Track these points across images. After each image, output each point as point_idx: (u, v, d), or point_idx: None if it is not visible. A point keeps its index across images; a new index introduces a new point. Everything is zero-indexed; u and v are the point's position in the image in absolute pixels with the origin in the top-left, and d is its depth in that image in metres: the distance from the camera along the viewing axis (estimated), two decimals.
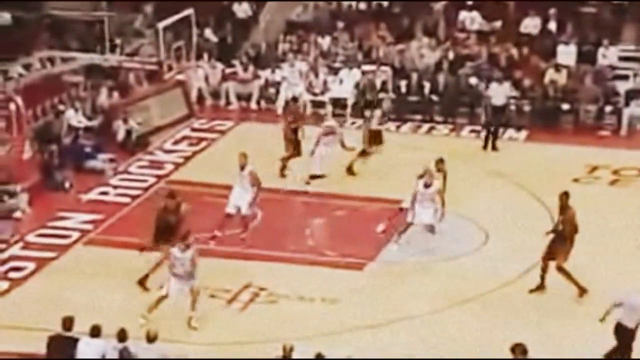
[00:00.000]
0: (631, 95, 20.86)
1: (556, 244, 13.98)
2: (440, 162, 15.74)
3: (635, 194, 17.57)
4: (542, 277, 14.10)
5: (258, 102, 22.40)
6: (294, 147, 17.98)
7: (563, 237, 13.90)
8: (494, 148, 19.73)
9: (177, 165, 19.07)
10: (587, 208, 16.40)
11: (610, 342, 12.12)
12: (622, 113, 20.73)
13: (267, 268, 14.79)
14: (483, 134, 20.01)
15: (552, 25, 22.60)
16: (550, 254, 14.04)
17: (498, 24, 23.02)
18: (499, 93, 19.90)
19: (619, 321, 11.99)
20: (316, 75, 22.08)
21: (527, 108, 21.15)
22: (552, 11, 22.56)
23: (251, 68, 22.55)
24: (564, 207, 14.03)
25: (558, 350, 12.59)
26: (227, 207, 15.44)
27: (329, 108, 21.75)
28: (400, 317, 13.40)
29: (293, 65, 22.12)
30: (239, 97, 22.40)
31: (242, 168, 15.47)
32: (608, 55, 21.80)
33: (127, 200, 17.46)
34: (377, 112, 18.62)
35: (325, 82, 22.02)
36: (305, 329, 12.97)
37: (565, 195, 14.12)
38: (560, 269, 13.93)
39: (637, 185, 18.03)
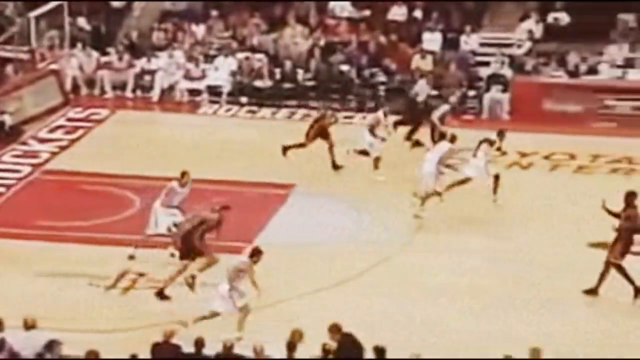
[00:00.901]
0: (491, 80, 21.39)
1: (616, 241, 13.53)
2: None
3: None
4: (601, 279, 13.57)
5: (134, 91, 22.01)
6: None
7: (620, 234, 13.49)
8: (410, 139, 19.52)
9: (53, 154, 18.60)
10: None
11: None
12: (483, 97, 21.27)
13: (148, 255, 14.56)
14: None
15: (418, 13, 22.95)
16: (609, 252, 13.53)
17: (367, 12, 23.25)
18: (423, 89, 19.97)
19: None
20: (196, 64, 21.84)
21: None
22: None
23: (126, 57, 22.13)
24: (630, 205, 13.59)
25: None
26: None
27: (205, 95, 21.59)
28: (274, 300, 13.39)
29: (172, 55, 21.80)
30: (115, 86, 21.97)
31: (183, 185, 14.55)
32: (470, 42, 22.30)
33: (1, 190, 16.92)
34: None
35: (203, 71, 21.82)
36: (185, 313, 12.84)
37: (632, 195, 13.69)
38: (612, 264, 13.47)
39: (502, 163, 18.50)
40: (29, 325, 11.25)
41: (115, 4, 23.70)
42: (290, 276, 14.09)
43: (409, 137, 19.20)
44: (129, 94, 21.96)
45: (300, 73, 21.73)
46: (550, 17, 22.37)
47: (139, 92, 22.01)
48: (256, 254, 12.61)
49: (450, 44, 22.31)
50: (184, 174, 14.64)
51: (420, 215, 15.85)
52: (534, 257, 14.75)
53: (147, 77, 22.00)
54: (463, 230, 15.47)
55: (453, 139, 16.69)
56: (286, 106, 21.22)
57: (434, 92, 20.70)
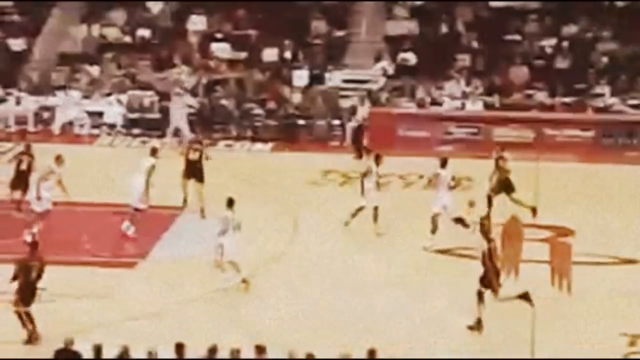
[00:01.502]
0: (352, 111, 21.67)
1: None
2: None
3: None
4: None
5: (35, 125, 21.38)
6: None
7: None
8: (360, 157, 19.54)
9: None
10: (320, 207, 17.00)
11: None
12: (346, 127, 21.56)
13: (48, 271, 14.07)
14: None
15: (288, 54, 23.14)
16: None
17: (244, 53, 23.29)
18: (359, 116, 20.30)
19: None
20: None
21: (272, 124, 21.52)
22: (287, 42, 23.10)
23: (25, 95, 21.52)
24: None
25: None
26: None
27: (104, 128, 21.25)
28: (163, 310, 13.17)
29: (67, 93, 21.40)
30: (17, 121, 21.32)
31: None
32: (333, 78, 22.61)
33: None
34: None
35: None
36: (81, 324, 12.46)
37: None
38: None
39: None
40: None
41: (16, 48, 23.05)
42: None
43: None
44: (31, 127, 21.34)
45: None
46: (399, 58, 22.94)
47: (40, 126, 21.41)
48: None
49: (316, 80, 22.53)
50: (58, 157, 15.34)
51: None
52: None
53: (46, 114, 21.44)
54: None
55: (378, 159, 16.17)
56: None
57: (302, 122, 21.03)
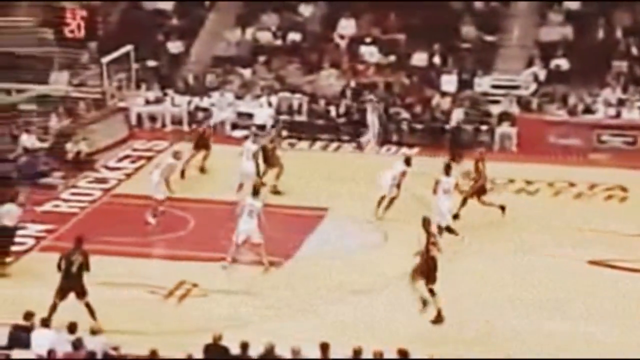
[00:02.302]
0: (502, 117, 21.45)
1: None
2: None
3: (503, 198, 17.94)
4: None
5: (189, 125, 22.38)
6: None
7: None
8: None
9: (120, 181, 18.94)
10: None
11: None
12: (495, 132, 21.34)
13: (198, 267, 14.80)
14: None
15: (437, 59, 23.13)
16: None
17: (392, 57, 23.46)
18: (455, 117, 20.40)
19: None
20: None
21: (418, 128, 21.54)
22: (436, 46, 23.11)
23: (179, 97, 22.42)
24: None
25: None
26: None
27: (253, 129, 21.92)
28: (309, 308, 13.51)
29: (223, 94, 22.18)
30: (173, 121, 22.34)
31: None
32: (482, 84, 22.41)
33: (76, 211, 17.29)
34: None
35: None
36: (229, 320, 13.02)
37: None
38: None
39: (508, 190, 18.48)
40: (94, 331, 11.51)
41: (174, 51, 24.15)
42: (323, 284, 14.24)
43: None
44: (185, 127, 22.35)
45: (332, 110, 22.00)
46: (552, 64, 22.45)
47: (194, 126, 22.39)
48: None
49: (465, 85, 22.40)
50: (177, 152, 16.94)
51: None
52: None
53: (200, 114, 22.37)
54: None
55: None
56: (320, 139, 21.45)
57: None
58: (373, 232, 16.27)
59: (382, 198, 16.57)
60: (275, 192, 17.74)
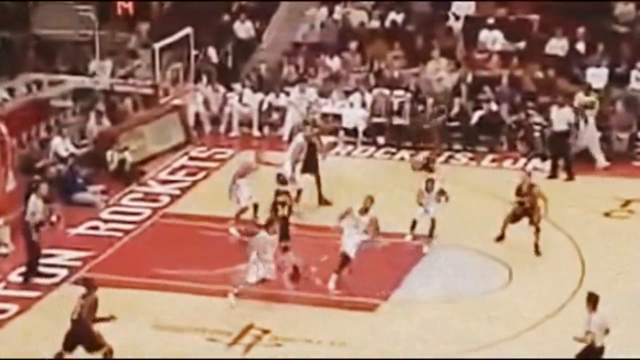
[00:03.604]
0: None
1: None
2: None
3: None
4: None
5: (261, 129, 22.58)
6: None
7: None
8: (570, 177, 19.69)
9: (174, 198, 19.21)
10: (621, 244, 16.61)
11: None
12: None
13: (270, 309, 14.90)
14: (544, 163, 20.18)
15: (581, 46, 22.79)
16: None
17: (522, 44, 23.22)
18: (560, 118, 20.05)
19: None
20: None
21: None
22: (580, 30, 22.77)
23: (249, 93, 22.67)
24: None
25: None
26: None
27: (341, 134, 21.97)
28: None
29: (303, 90, 22.30)
30: (241, 123, 22.61)
31: (365, 211, 15.41)
32: None
33: (119, 234, 17.59)
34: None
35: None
36: None
37: None
38: None
39: None
40: None
41: (242, 35, 24.44)
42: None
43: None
44: (255, 132, 22.54)
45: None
46: None
47: (266, 130, 22.56)
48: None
49: (618, 80, 22.02)
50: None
51: None
52: None
53: (275, 115, 22.56)
54: None
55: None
56: (427, 148, 21.29)
57: (598, 134, 20.60)
58: (494, 269, 16.11)
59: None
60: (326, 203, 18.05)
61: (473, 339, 14.13)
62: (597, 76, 22.02)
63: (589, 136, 20.54)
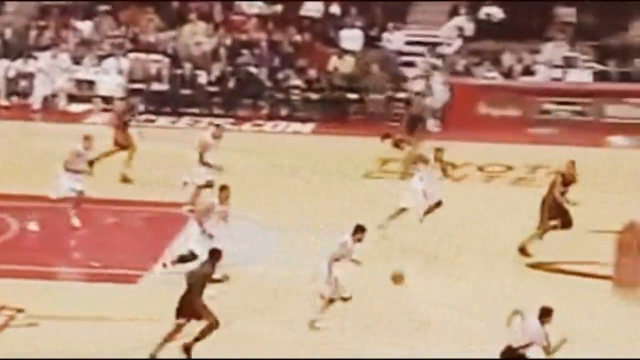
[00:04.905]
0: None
1: None
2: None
3: None
4: None
5: (8, 97, 21.56)
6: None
7: None
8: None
9: None
10: (379, 203, 16.87)
11: None
12: (412, 102, 21.28)
13: (22, 286, 14.19)
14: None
15: (335, 8, 23.01)
16: None
17: (278, 6, 23.23)
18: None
19: None
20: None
21: (314, 98, 21.54)
22: None
23: None
24: None
25: None
26: None
27: (99, 103, 21.38)
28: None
29: (55, 56, 21.46)
30: None
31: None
32: (394, 40, 22.45)
33: None
34: None
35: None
36: (73, 354, 12.50)
37: None
38: None
39: None
40: None
41: None
42: None
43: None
44: (3, 101, 21.41)
45: (202, 76, 21.69)
46: (481, 13, 22.65)
47: (15, 99, 21.51)
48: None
49: (372, 42, 22.37)
50: (87, 137, 15.51)
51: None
52: None
53: (23, 82, 21.54)
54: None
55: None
56: (187, 114, 21.18)
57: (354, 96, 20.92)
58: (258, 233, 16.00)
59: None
60: (125, 180, 17.34)
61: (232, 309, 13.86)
62: (351, 39, 22.34)
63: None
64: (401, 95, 21.48)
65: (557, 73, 21.60)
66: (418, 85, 20.68)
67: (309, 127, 21.02)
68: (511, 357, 11.27)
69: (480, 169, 18.85)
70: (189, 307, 12.11)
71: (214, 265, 12.33)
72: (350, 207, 16.78)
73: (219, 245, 12.82)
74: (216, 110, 21.48)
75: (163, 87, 21.74)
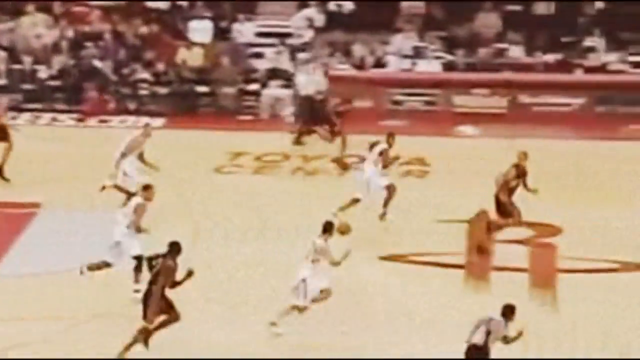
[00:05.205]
0: (270, 75, 21.28)
1: None
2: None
3: (281, 180, 17.85)
4: None
5: None
6: None
7: None
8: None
9: None
10: (230, 198, 16.58)
11: None
12: (261, 94, 21.17)
13: None
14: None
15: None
16: None
17: None
18: (309, 83, 19.62)
19: None
20: None
21: (163, 92, 21.24)
22: None
23: None
24: None
25: None
26: None
27: None
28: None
29: None
30: None
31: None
32: (244, 32, 22.17)
33: None
34: None
35: None
36: None
37: None
38: None
39: (283, 170, 18.37)
40: None
41: None
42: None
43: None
44: None
45: (42, 70, 21.18)
46: (331, 4, 22.56)
47: None
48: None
49: (222, 34, 22.09)
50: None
51: None
52: None
53: None
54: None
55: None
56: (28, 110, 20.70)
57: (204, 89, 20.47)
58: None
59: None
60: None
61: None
62: (200, 30, 22.01)
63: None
64: (252, 87, 21.19)
65: (407, 64, 21.68)
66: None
67: (160, 121, 20.52)
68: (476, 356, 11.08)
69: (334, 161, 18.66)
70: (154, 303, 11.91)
71: (175, 258, 12.05)
72: (201, 201, 16.46)
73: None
74: (59, 106, 20.87)
75: (1, 82, 21.12)
